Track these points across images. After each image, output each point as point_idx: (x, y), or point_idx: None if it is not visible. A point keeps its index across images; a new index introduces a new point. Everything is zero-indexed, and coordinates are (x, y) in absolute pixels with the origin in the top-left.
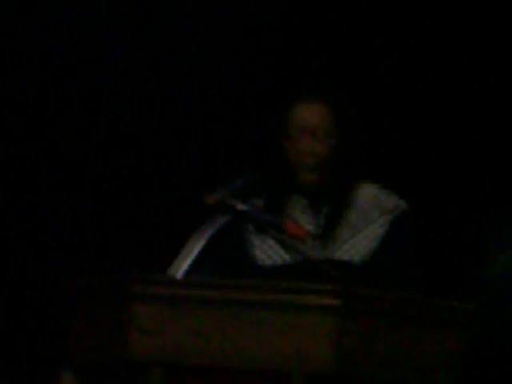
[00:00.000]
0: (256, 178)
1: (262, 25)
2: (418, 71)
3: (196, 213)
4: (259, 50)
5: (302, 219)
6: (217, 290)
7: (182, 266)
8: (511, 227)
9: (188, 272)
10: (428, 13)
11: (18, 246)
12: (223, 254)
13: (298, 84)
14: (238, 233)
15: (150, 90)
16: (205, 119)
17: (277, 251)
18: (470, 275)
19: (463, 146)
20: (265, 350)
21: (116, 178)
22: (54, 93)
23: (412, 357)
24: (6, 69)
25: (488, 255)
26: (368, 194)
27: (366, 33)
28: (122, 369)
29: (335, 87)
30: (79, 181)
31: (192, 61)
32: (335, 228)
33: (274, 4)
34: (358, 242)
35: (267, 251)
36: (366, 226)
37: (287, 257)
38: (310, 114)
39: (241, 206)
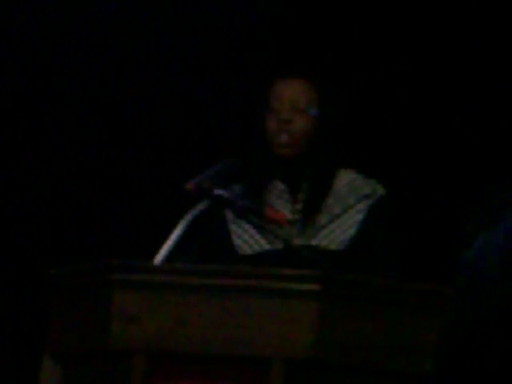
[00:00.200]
0: (235, 163)
1: (249, 15)
2: (402, 57)
3: (178, 200)
4: (244, 33)
5: (280, 205)
6: (197, 276)
7: (162, 253)
8: (489, 208)
9: (169, 258)
10: (420, 5)
11: None
12: (202, 242)
13: (282, 61)
14: (216, 220)
15: (133, 83)
16: (187, 106)
17: (256, 240)
18: (449, 258)
19: (441, 129)
20: (245, 336)
21: (96, 167)
22: (42, 86)
23: (392, 342)
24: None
25: (466, 237)
26: (345, 179)
27: (355, 21)
28: (103, 357)
29: (318, 66)
30: (59, 169)
31: (180, 49)
32: (313, 214)
33: None
34: (335, 228)
35: (247, 240)
36: (343, 212)
37: (267, 245)
38: (291, 88)
39: (219, 192)
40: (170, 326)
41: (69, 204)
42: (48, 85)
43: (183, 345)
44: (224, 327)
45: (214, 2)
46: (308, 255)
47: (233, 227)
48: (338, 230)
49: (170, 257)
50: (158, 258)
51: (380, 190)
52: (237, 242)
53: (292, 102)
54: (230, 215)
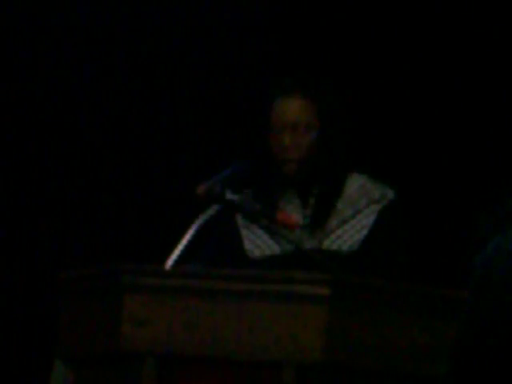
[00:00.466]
0: (246, 167)
1: (251, 21)
2: (406, 61)
3: (189, 204)
4: (249, 42)
5: (290, 209)
6: (208, 280)
7: (173, 257)
8: (501, 212)
9: (180, 262)
10: (418, 6)
11: (8, 238)
12: (213, 246)
13: (279, 77)
14: (228, 225)
15: (140, 83)
16: (198, 112)
17: (266, 243)
18: (462, 261)
19: (451, 132)
20: (256, 340)
21: (109, 170)
22: (41, 88)
23: (403, 345)
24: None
25: (479, 241)
26: (355, 183)
27: (356, 25)
28: (113, 360)
29: (315, 78)
30: (71, 172)
31: (187, 56)
32: (323, 218)
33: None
34: (345, 232)
35: (257, 243)
36: (353, 216)
37: (277, 248)
38: (290, 108)
39: (230, 196)
40: (181, 329)
41: (80, 207)
42: (55, 94)
43: (194, 348)
44: (234, 331)
45: (212, 19)
46: (319, 259)
47: (244, 232)
48: (348, 233)
49: (181, 261)
50: (170, 261)
51: (390, 194)
52: (248, 246)
53: (293, 124)
54: (240, 220)
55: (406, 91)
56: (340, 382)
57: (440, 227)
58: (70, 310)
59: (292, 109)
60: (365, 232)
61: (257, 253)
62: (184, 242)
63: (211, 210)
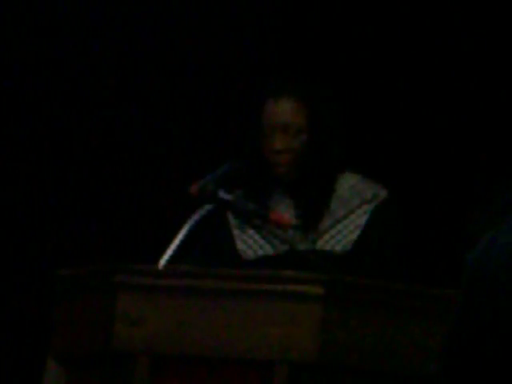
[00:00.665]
0: (238, 167)
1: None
2: (396, 60)
3: (182, 204)
4: (243, 44)
5: (282, 209)
6: (200, 279)
7: (166, 256)
8: (493, 208)
9: (172, 262)
10: (412, 8)
11: (1, 237)
12: (205, 247)
13: (270, 79)
14: (220, 226)
15: (134, 84)
16: (190, 112)
17: (259, 243)
18: (455, 259)
19: (442, 130)
20: (249, 339)
21: (102, 169)
22: (35, 86)
23: (397, 345)
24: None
25: (471, 237)
26: (347, 183)
27: (346, 27)
28: (107, 359)
29: (306, 80)
30: (64, 172)
31: (179, 56)
32: (316, 218)
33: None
34: (338, 232)
35: (250, 244)
36: (346, 216)
37: (270, 248)
38: (280, 110)
39: (223, 195)
40: (174, 328)
41: (73, 207)
42: (51, 98)
43: (186, 347)
44: (227, 330)
45: (204, 25)
46: (312, 259)
47: (236, 232)
48: (341, 233)
49: (173, 260)
50: (162, 260)
51: (383, 193)
52: (240, 246)
53: (283, 126)
54: (232, 219)
55: (396, 90)
56: (333, 382)
57: (432, 225)
58: (64, 308)
59: (283, 110)
60: (358, 232)
61: (250, 253)
62: (177, 241)
63: (204, 210)
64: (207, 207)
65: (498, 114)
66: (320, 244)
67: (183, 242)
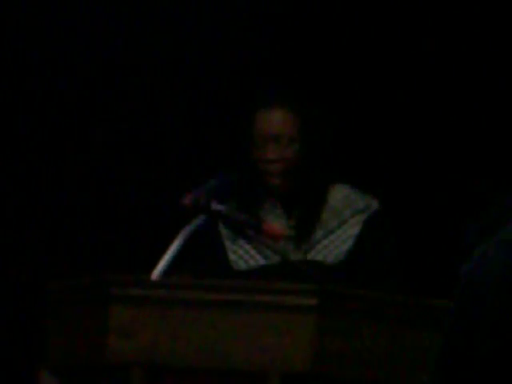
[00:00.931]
0: (231, 179)
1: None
2: (392, 73)
3: (174, 215)
4: (234, 55)
5: (274, 220)
6: (194, 290)
7: (160, 267)
8: (487, 219)
9: (166, 274)
10: (407, 13)
11: None
12: (197, 259)
13: (261, 89)
14: (212, 237)
15: (130, 95)
16: (183, 123)
17: (252, 255)
18: (450, 270)
19: (435, 141)
20: (242, 351)
21: (94, 180)
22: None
23: (390, 356)
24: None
25: (465, 248)
26: (339, 194)
27: (339, 36)
28: (100, 371)
29: (298, 90)
30: (58, 183)
31: (173, 66)
32: (308, 229)
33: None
34: (331, 243)
35: (242, 255)
36: (338, 227)
37: (262, 259)
38: (271, 121)
39: (216, 206)
40: (167, 340)
41: (66, 218)
42: (46, 106)
43: (180, 359)
44: (221, 341)
45: (198, 34)
46: (305, 270)
47: (227, 243)
48: (333, 244)
49: (166, 272)
50: (155, 272)
51: (375, 204)
52: (232, 257)
53: (275, 137)
54: (224, 231)
55: (388, 101)
56: None
57: (425, 237)
58: (57, 320)
59: (275, 120)
60: (350, 243)
61: (242, 264)
62: (171, 252)
63: (197, 221)
64: (200, 218)
65: (493, 125)
66: (312, 254)
67: (177, 254)
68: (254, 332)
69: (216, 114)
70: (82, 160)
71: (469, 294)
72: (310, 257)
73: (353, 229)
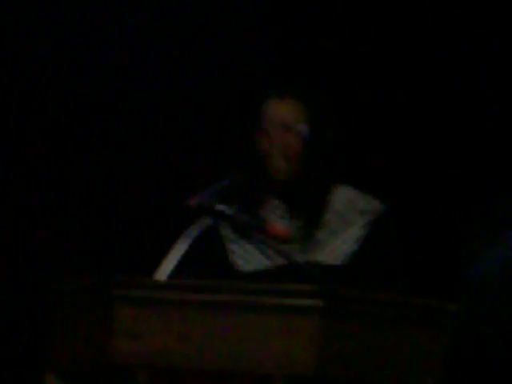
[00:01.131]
0: (236, 180)
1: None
2: (397, 72)
3: (179, 216)
4: (236, 53)
5: (277, 221)
6: (200, 292)
7: (166, 269)
8: (492, 224)
9: (170, 275)
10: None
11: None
12: (200, 261)
13: (271, 82)
14: (217, 240)
15: (132, 97)
16: (187, 124)
17: (256, 257)
18: (455, 274)
19: (441, 144)
20: (248, 353)
21: (98, 182)
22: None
23: (396, 358)
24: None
25: (472, 251)
26: (343, 196)
27: (345, 38)
28: (106, 373)
29: (308, 84)
30: (61, 184)
31: (178, 65)
32: (312, 230)
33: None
34: (337, 245)
35: (247, 257)
36: (344, 229)
37: (267, 262)
38: (282, 108)
39: (221, 208)
40: (173, 341)
41: (70, 220)
42: (48, 111)
43: (186, 361)
44: (226, 343)
45: (205, 26)
46: (310, 271)
47: (231, 244)
48: (338, 245)
49: (170, 273)
50: (159, 273)
51: (380, 207)
52: (235, 258)
53: (283, 123)
54: (227, 233)
55: (394, 104)
56: None
57: (432, 239)
58: (62, 322)
59: (284, 109)
60: (355, 245)
61: (246, 266)
62: (174, 253)
63: (201, 222)
64: (204, 220)
65: (496, 131)
66: (317, 256)
67: (181, 255)
68: (259, 334)
69: (222, 116)
70: (87, 161)
71: (476, 296)
72: (312, 258)
73: (357, 231)
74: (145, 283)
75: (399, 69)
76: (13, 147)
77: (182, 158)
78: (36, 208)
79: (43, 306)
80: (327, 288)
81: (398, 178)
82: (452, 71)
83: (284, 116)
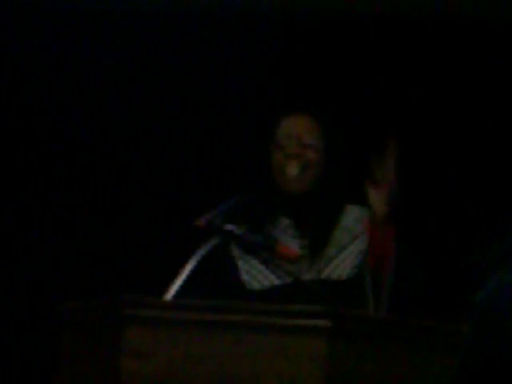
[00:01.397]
0: (246, 200)
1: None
2: (399, 88)
3: (189, 236)
4: (251, 71)
5: (287, 240)
6: (207, 312)
7: (174, 289)
8: (501, 247)
9: (180, 295)
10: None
11: (8, 270)
12: (210, 279)
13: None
14: (226, 258)
15: (141, 114)
16: (198, 142)
17: (265, 275)
18: (463, 296)
19: (452, 167)
20: (255, 372)
21: (108, 202)
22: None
23: (404, 379)
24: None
25: (481, 275)
26: (352, 214)
27: (352, 59)
28: None
29: (323, 103)
30: (70, 202)
31: (189, 80)
32: (321, 248)
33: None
34: (344, 259)
35: (255, 276)
36: (350, 242)
37: (276, 280)
38: (297, 123)
39: (230, 228)
40: (181, 361)
41: (79, 240)
42: (56, 120)
43: (194, 380)
44: (234, 363)
45: (220, 43)
46: (317, 290)
47: (240, 263)
48: (346, 260)
49: (180, 293)
50: (169, 293)
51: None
52: (245, 277)
53: (299, 138)
54: (236, 251)
55: (402, 122)
56: None
57: (441, 262)
58: (71, 341)
59: (299, 124)
60: (361, 257)
61: (255, 284)
62: (184, 273)
63: (211, 242)
64: (214, 240)
65: (504, 150)
66: (326, 273)
67: (191, 275)
68: (267, 354)
69: (232, 136)
70: (98, 180)
71: (487, 320)
72: (323, 275)
73: (364, 243)
74: (153, 303)
75: (404, 86)
76: (14, 162)
77: (192, 177)
78: (47, 228)
79: (52, 326)
80: (335, 308)
81: (408, 199)
82: (466, 99)
83: (301, 132)
